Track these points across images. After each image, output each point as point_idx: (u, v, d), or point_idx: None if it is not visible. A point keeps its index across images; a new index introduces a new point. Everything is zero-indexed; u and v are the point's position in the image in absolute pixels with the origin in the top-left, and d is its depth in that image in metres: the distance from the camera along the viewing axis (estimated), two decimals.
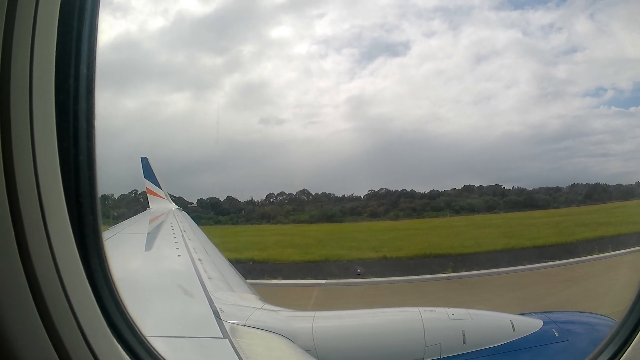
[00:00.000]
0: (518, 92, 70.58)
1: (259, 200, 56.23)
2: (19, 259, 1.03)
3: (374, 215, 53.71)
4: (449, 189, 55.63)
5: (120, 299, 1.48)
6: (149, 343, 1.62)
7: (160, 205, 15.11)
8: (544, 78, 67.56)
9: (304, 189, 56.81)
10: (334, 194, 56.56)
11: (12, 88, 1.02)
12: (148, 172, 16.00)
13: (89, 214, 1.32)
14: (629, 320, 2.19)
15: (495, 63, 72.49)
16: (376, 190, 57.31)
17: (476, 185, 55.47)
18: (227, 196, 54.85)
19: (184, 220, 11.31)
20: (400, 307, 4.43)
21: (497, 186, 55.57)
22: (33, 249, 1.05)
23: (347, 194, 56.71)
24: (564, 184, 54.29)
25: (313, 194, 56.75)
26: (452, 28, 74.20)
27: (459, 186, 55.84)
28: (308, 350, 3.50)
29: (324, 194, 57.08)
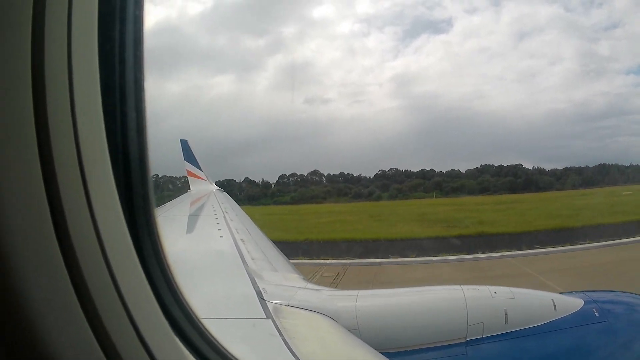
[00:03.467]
0: (561, 69, 68.38)
1: (271, 182, 56.44)
2: (60, 252, 0.99)
3: (357, 197, 53.28)
4: (467, 169, 54.86)
5: (178, 288, 1.47)
6: (209, 333, 1.63)
7: (201, 186, 15.39)
8: (586, 54, 65.30)
9: (315, 170, 56.76)
10: (352, 174, 56.22)
11: (47, 67, 0.98)
12: (188, 154, 16.29)
13: (140, 198, 1.29)
14: None
15: (538, 40, 70.59)
16: (386, 170, 56.70)
17: (495, 165, 54.49)
18: (245, 178, 55.18)
19: (226, 201, 11.48)
20: (443, 285, 4.35)
21: (518, 166, 54.22)
22: (76, 237, 1.01)
23: (363, 174, 56.27)
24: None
25: (325, 174, 56.56)
26: (494, 4, 72.29)
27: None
28: (351, 329, 3.51)
29: (341, 174, 56.70)
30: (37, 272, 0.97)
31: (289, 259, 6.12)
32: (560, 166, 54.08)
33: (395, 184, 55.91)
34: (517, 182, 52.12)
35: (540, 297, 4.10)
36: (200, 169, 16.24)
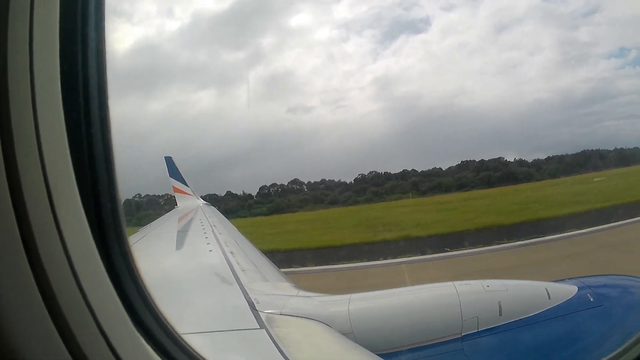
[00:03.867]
0: (543, 58, 69.42)
1: (253, 194, 55.95)
2: (28, 264, 1.00)
3: (333, 203, 53.02)
4: (448, 166, 54.64)
5: (149, 296, 1.45)
6: (182, 340, 1.60)
7: (188, 202, 15.30)
8: (566, 42, 66.49)
9: (295, 179, 56.32)
10: (333, 180, 55.92)
11: (12, 92, 0.99)
12: (173, 170, 16.21)
13: (108, 209, 1.28)
14: None
15: (517, 31, 71.68)
16: (366, 174, 56.43)
17: (477, 160, 54.33)
18: (227, 191, 54.58)
19: (213, 215, 11.43)
20: (435, 282, 4.36)
21: (499, 159, 54.14)
22: (44, 252, 1.02)
23: (342, 179, 55.74)
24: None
25: (306, 182, 56.13)
26: None
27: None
28: (345, 333, 3.50)
29: (323, 181, 56.30)
30: (3, 280, 0.97)
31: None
32: (544, 156, 54.21)
33: (372, 187, 55.54)
34: (495, 176, 51.90)
35: (533, 286, 4.11)
36: (186, 184, 16.17)
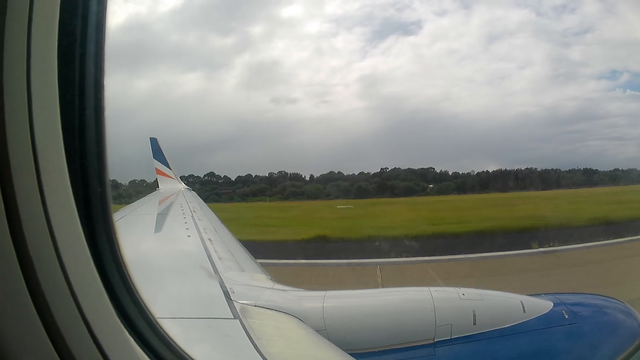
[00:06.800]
0: (532, 72, 69.46)
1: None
2: (14, 250, 0.97)
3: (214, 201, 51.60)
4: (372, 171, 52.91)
5: (134, 287, 1.43)
6: (165, 332, 1.58)
7: (170, 185, 15.19)
8: (556, 59, 66.51)
9: (211, 172, 54.81)
10: (258, 175, 54.90)
11: (6, 69, 0.96)
12: (157, 152, 16.08)
13: (96, 193, 1.27)
14: None
15: (508, 43, 71.47)
16: (275, 173, 54.37)
17: (403, 168, 51.37)
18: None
19: (194, 201, 11.33)
20: (410, 286, 4.37)
21: (429, 169, 51.90)
22: (30, 237, 0.99)
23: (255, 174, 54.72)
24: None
25: (222, 176, 55.31)
26: (464, 7, 73.06)
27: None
28: (318, 330, 3.50)
29: (248, 176, 55.45)
30: None
31: None
32: (494, 168, 53.83)
33: (245, 187, 54.31)
34: (368, 189, 49.33)
35: (509, 298, 4.12)
36: (169, 167, 16.06)
